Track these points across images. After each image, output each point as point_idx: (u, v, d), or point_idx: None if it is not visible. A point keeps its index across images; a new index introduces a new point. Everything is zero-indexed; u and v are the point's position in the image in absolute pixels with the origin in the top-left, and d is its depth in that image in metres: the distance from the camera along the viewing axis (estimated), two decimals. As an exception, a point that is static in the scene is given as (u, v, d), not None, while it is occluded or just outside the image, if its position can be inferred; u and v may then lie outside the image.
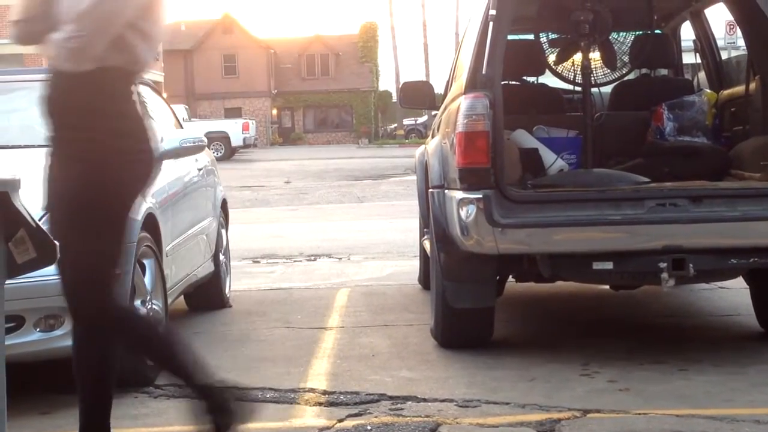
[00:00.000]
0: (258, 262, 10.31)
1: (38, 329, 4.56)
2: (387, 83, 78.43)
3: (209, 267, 7.04)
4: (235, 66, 64.32)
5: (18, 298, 4.23)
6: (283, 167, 32.06)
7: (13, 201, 2.26)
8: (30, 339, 4.51)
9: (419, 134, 58.37)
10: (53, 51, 3.38)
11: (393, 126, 67.34)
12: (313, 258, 10.50)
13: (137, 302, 5.06)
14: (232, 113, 58.97)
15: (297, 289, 8.36)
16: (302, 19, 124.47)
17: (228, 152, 39.51)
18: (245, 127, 41.76)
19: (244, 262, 10.14)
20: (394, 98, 64.63)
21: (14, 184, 2.29)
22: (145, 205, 5.28)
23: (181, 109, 38.90)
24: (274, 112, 64.99)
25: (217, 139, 37.36)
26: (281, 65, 65.90)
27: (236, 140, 41.02)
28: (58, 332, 4.58)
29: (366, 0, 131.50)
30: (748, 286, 6.03)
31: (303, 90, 65.45)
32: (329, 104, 65.65)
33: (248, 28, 66.43)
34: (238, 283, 8.45)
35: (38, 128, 6.29)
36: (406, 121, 63.10)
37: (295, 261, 10.32)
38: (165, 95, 7.99)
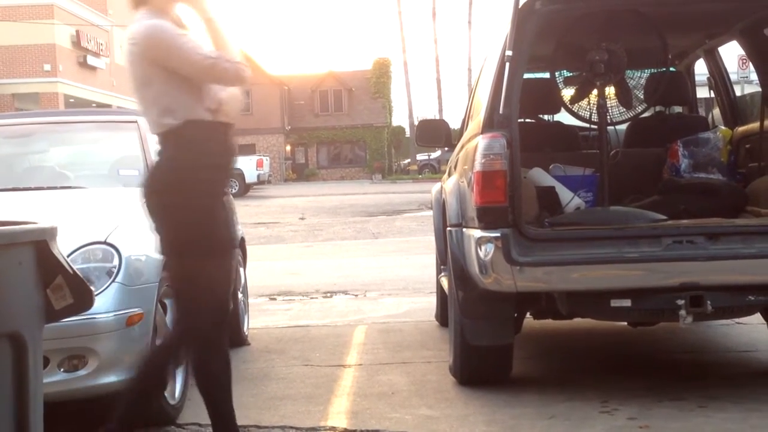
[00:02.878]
0: (275, 299, 10.36)
1: (62, 369, 4.61)
2: (400, 118, 78.60)
3: (228, 305, 7.07)
4: (249, 102, 64.62)
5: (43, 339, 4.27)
6: (297, 203, 32.17)
7: (52, 249, 2.33)
8: (54, 379, 4.55)
9: (433, 169, 58.48)
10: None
11: (406, 161, 67.50)
12: (329, 295, 10.54)
13: (159, 341, 5.10)
14: (246, 150, 59.13)
15: (314, 327, 8.39)
16: (315, 56, 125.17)
17: (242, 189, 39.64)
18: (259, 164, 41.91)
19: (261, 300, 10.19)
20: (408, 133, 64.92)
21: (52, 233, 2.36)
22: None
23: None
24: (288, 148, 65.26)
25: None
26: (294, 101, 66.26)
27: (250, 177, 41.15)
28: (81, 372, 4.64)
29: (378, 36, 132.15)
30: (765, 322, 6.04)
31: (316, 126, 65.75)
32: (342, 140, 65.90)
33: (262, 64, 66.85)
34: (255, 321, 8.49)
35: (58, 170, 6.43)
36: (420, 157, 63.25)
37: (311, 298, 10.36)
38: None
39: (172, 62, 3.89)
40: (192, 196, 3.90)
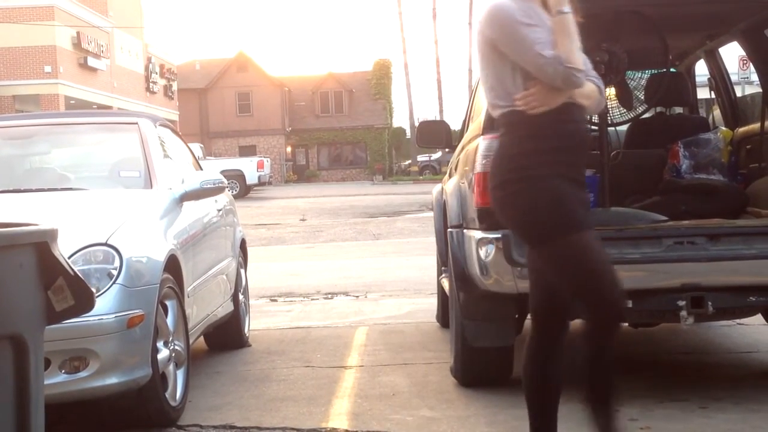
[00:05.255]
0: (275, 300, 10.36)
1: (63, 371, 4.61)
2: (401, 120, 78.68)
3: (229, 307, 7.09)
4: (250, 104, 64.69)
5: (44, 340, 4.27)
6: (298, 204, 32.16)
7: (53, 250, 2.32)
8: (55, 381, 4.55)
9: (433, 170, 58.49)
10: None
11: (407, 162, 67.50)
12: (330, 296, 10.54)
13: (160, 343, 5.11)
14: (247, 151, 59.24)
15: (315, 328, 8.39)
16: (315, 57, 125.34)
17: (243, 190, 39.63)
18: (260, 165, 41.90)
19: (262, 301, 10.19)
20: (408, 135, 64.95)
21: (53, 234, 2.35)
22: (167, 246, 5.35)
23: (196, 148, 39.12)
24: (289, 149, 65.27)
25: (232, 177, 37.45)
26: (295, 103, 66.27)
27: (251, 178, 41.14)
28: (82, 374, 4.64)
29: (379, 37, 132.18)
30: (766, 323, 6.04)
31: (317, 127, 65.76)
32: (343, 141, 65.91)
33: (262, 66, 66.87)
34: (256, 322, 8.49)
35: (59, 171, 6.43)
36: (420, 158, 63.27)
37: (312, 299, 10.36)
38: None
39: (506, 49, 3.73)
40: (532, 181, 3.70)
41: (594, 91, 3.85)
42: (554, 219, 3.70)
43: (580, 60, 3.74)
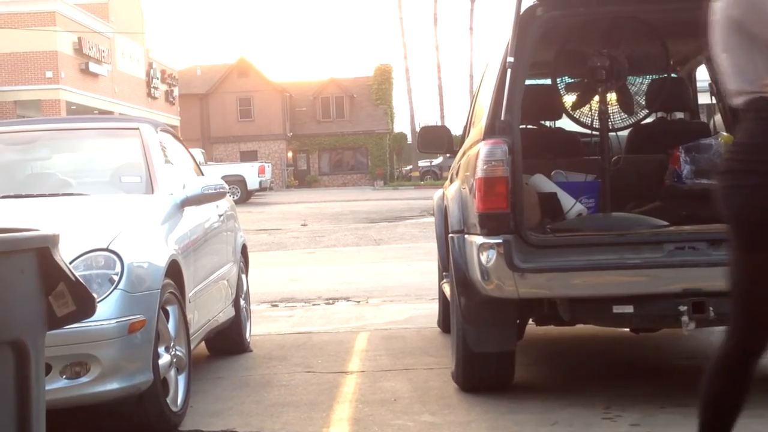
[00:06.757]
0: (276, 306, 10.35)
1: (64, 376, 4.61)
2: (402, 125, 78.82)
3: (230, 312, 7.09)
4: (251, 109, 64.74)
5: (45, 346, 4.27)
6: (299, 210, 32.16)
7: (54, 256, 2.33)
8: (56, 386, 4.55)
9: (434, 176, 58.52)
10: None
11: (408, 167, 67.52)
12: (331, 301, 10.54)
13: (161, 348, 5.11)
14: (248, 156, 59.26)
15: (316, 333, 8.39)
16: (317, 62, 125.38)
17: (244, 195, 39.66)
18: (261, 170, 41.94)
19: (263, 306, 10.19)
20: (409, 140, 64.97)
21: (54, 240, 2.36)
22: (168, 251, 5.35)
23: (197, 153, 39.13)
24: (290, 154, 65.29)
25: (233, 182, 37.49)
26: (296, 108, 66.31)
27: (252, 183, 41.18)
28: (84, 379, 4.63)
29: (380, 42, 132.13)
30: None
31: (318, 132, 65.79)
32: (344, 146, 65.94)
33: (263, 71, 66.91)
34: (257, 328, 8.49)
35: (60, 177, 6.43)
36: (422, 163, 63.30)
37: (313, 304, 10.36)
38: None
39: (757, 29, 3.25)
40: (758, 177, 3.26)
41: None
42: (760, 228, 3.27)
43: None
